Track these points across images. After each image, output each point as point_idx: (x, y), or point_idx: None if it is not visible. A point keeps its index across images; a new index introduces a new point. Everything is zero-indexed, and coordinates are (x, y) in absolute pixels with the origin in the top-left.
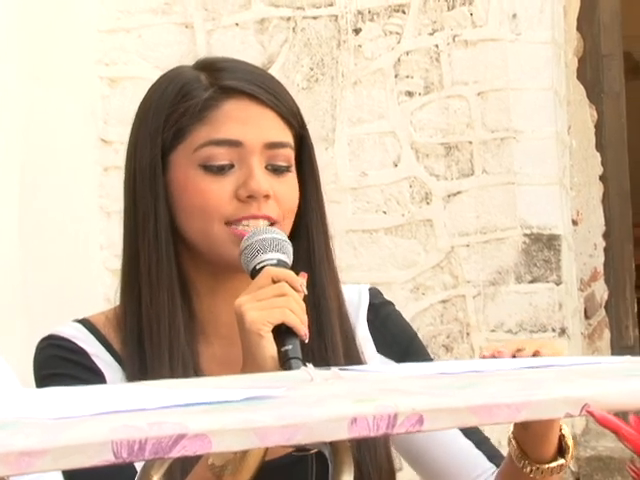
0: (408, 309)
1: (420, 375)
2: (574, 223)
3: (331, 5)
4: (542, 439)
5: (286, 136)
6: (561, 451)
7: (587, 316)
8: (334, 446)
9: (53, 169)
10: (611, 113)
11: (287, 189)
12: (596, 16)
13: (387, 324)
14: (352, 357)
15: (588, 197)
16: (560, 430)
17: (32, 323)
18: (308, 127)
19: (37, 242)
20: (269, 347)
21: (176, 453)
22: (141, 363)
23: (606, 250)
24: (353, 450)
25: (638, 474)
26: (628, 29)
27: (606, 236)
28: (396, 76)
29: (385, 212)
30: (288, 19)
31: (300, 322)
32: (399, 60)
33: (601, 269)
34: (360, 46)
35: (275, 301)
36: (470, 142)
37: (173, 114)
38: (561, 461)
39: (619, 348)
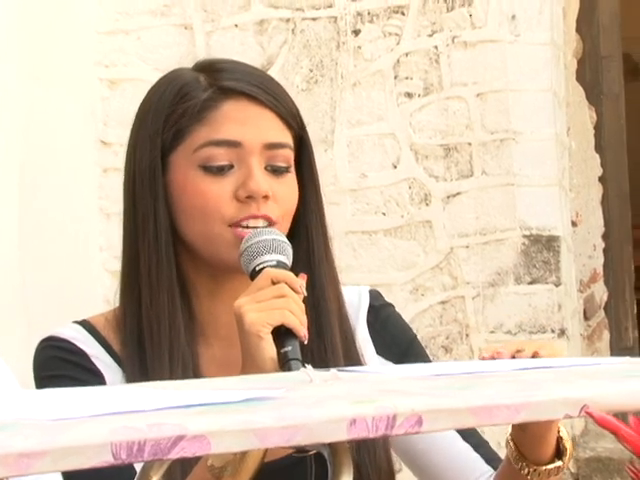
0: (407, 310)
1: (419, 376)
2: (573, 224)
3: (330, 6)
4: (540, 441)
5: (285, 137)
6: (559, 453)
7: (586, 317)
8: (333, 447)
9: (52, 170)
10: (610, 114)
11: (286, 190)
12: (595, 17)
13: (387, 326)
14: (352, 358)
15: (587, 198)
16: (558, 432)
17: (31, 324)
18: (307, 128)
19: (36, 243)
20: (268, 348)
21: (175, 454)
22: (141, 364)
23: (605, 251)
24: (352, 451)
25: (637, 475)
26: (627, 30)
27: (605, 237)
28: (395, 77)
29: (384, 213)
30: (287, 20)
31: (299, 323)
32: (398, 61)
33: (600, 270)
34: (359, 47)
35: (274, 302)
36: (469, 143)
37: (172, 115)
38: (559, 463)
39: (618, 349)
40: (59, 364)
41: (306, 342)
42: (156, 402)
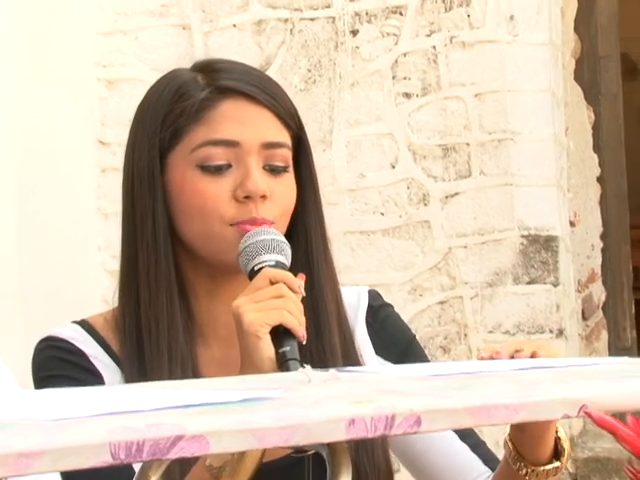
0: (406, 310)
1: (418, 376)
2: (571, 224)
3: (328, 7)
4: (538, 441)
5: (283, 136)
6: (557, 453)
7: (585, 317)
8: (332, 447)
9: (51, 171)
10: (608, 114)
11: (284, 189)
12: (593, 17)
13: (386, 326)
14: (350, 358)
15: (585, 198)
16: (556, 432)
17: (30, 324)
18: (306, 128)
19: (35, 243)
20: (267, 348)
21: (174, 454)
22: (139, 364)
23: (603, 251)
24: (351, 451)
25: (636, 475)
26: (625, 30)
27: (603, 237)
28: (393, 77)
29: (383, 213)
30: (285, 21)
31: (298, 323)
32: (396, 62)
33: (598, 270)
34: (357, 47)
35: (273, 302)
36: (467, 144)
37: (170, 115)
38: (557, 464)
39: (616, 349)
40: (58, 364)
41: (304, 342)
42: (155, 402)
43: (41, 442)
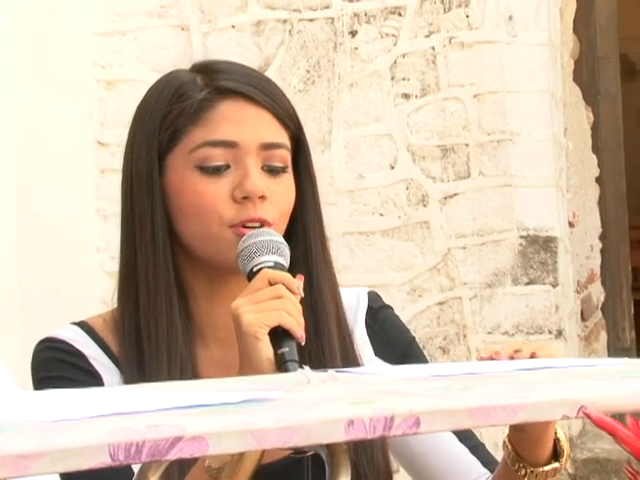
0: (405, 311)
1: (417, 377)
2: (570, 225)
3: (327, 7)
4: (537, 442)
5: (282, 137)
6: (556, 454)
7: (584, 318)
8: (331, 448)
9: (50, 171)
10: (607, 115)
11: (283, 190)
12: (592, 18)
13: (385, 328)
14: (349, 359)
15: (584, 199)
16: (555, 434)
17: (29, 326)
18: (304, 129)
19: (34, 244)
20: (265, 349)
21: (173, 455)
22: (139, 365)
23: (602, 252)
24: (350, 452)
25: (635, 476)
26: (624, 31)
27: (602, 238)
28: (392, 78)
29: (382, 214)
30: (284, 21)
31: (297, 324)
32: (395, 62)
33: (598, 271)
34: (356, 48)
35: (271, 303)
36: (466, 144)
37: (168, 116)
38: (556, 464)
39: (616, 350)
40: (57, 365)
41: (303, 343)
42: (154, 403)
43: (40, 443)
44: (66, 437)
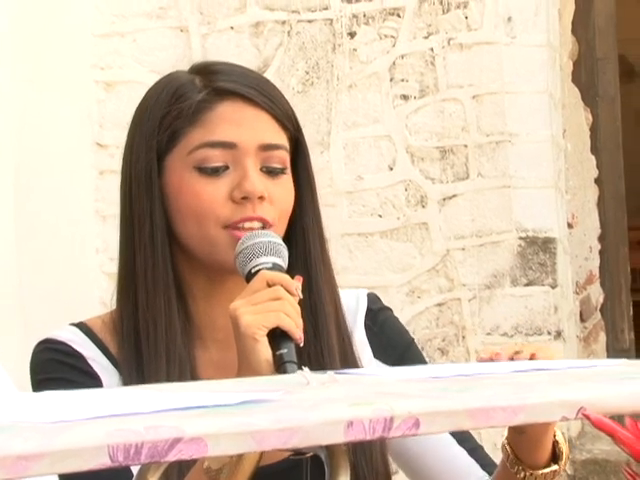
0: (404, 312)
1: (416, 378)
2: (569, 226)
3: (326, 9)
4: (537, 444)
5: (281, 138)
6: (555, 457)
7: (583, 319)
8: (330, 450)
9: (48, 173)
10: (606, 116)
11: (282, 191)
12: (591, 19)
13: (384, 330)
14: (349, 361)
15: (583, 200)
16: (554, 436)
17: (28, 327)
18: (303, 131)
19: (33, 246)
20: (264, 351)
21: (172, 457)
22: (137, 367)
23: (601, 253)
24: (349, 454)
25: (634, 477)
26: (623, 32)
27: (601, 239)
28: (391, 79)
29: (381, 215)
30: (283, 23)
31: (295, 326)
32: (394, 63)
33: (596, 272)
34: (355, 50)
35: (270, 305)
36: (465, 145)
37: (167, 117)
38: (555, 467)
39: (614, 351)
40: (56, 366)
41: (302, 345)
42: (153, 404)
43: (40, 444)
44: (66, 438)
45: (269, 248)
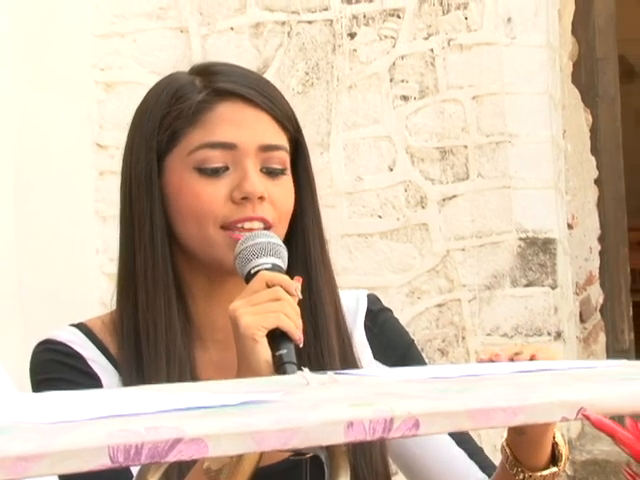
0: (404, 313)
1: (416, 379)
2: (569, 227)
3: (326, 10)
4: (536, 446)
5: (281, 139)
6: (554, 459)
7: (582, 320)
8: (330, 450)
9: (48, 173)
10: (606, 117)
11: (282, 192)
12: (591, 20)
13: (384, 330)
14: (349, 362)
15: (583, 201)
16: (554, 438)
17: (28, 327)
18: (303, 131)
19: (33, 246)
20: (263, 352)
21: (172, 457)
22: (137, 367)
23: (601, 254)
24: (349, 455)
25: (634, 477)
26: (623, 32)
27: (601, 240)
28: (391, 80)
29: (380, 216)
30: (283, 23)
31: (295, 326)
32: (394, 64)
33: (596, 273)
34: (355, 50)
35: (269, 305)
36: (465, 146)
37: (167, 117)
38: (554, 469)
39: (614, 352)
40: (55, 367)
41: (301, 345)
42: (153, 405)
43: (40, 445)
44: (66, 439)
45: (268, 249)
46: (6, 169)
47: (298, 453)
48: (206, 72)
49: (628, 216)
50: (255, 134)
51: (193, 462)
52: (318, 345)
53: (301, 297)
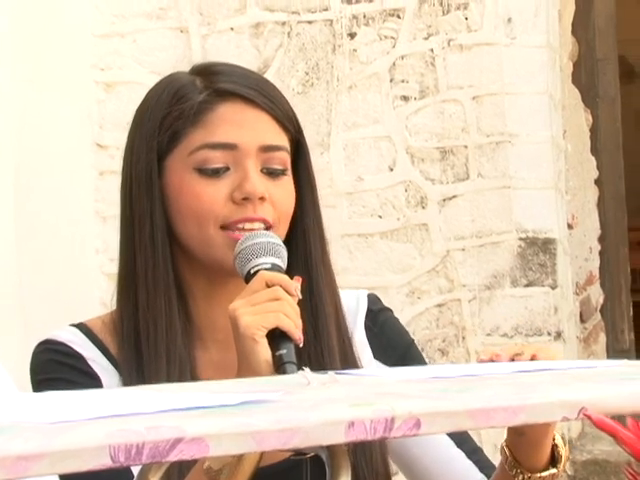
0: (404, 313)
1: (417, 379)
2: (569, 227)
3: (326, 10)
4: (536, 447)
5: (281, 140)
6: (554, 461)
7: (583, 320)
8: (331, 450)
9: (48, 173)
10: (606, 117)
11: (283, 192)
12: (591, 20)
13: (385, 330)
14: (349, 361)
15: (583, 201)
16: (553, 439)
17: (28, 327)
18: (303, 132)
19: (33, 246)
20: (263, 351)
21: (173, 457)
22: (138, 367)
23: (601, 254)
24: (349, 455)
25: (635, 477)
26: (623, 33)
27: (601, 240)
28: (391, 80)
29: (380, 216)
30: (283, 24)
31: (294, 326)
32: (394, 64)
33: (596, 273)
34: (355, 50)
35: (269, 305)
36: (465, 146)
37: (168, 117)
38: (553, 470)
39: (615, 352)
40: (56, 367)
41: (301, 345)
42: (154, 405)
43: (40, 445)
44: (66, 438)
45: (268, 248)
46: (6, 169)
47: (299, 453)
48: (207, 72)
49: (628, 216)
50: (256, 134)
51: (193, 462)
52: (318, 345)
53: (301, 297)
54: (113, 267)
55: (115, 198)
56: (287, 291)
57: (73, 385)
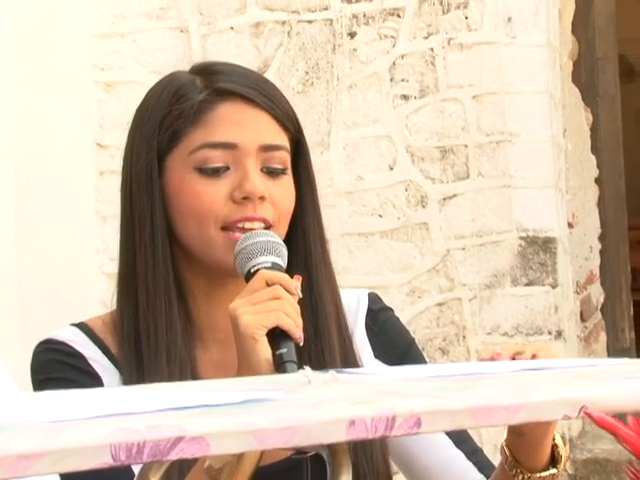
0: (404, 312)
1: (418, 377)
2: (570, 226)
3: (326, 9)
4: (536, 447)
5: (282, 139)
6: (554, 461)
7: (583, 319)
8: (332, 448)
9: (48, 173)
10: (606, 116)
11: (283, 191)
12: (591, 19)
13: (385, 329)
14: (349, 361)
15: (584, 200)
16: (553, 439)
17: (28, 327)
18: (303, 131)
19: (33, 246)
20: (263, 350)
21: (174, 456)
22: (138, 367)
23: (602, 253)
24: (350, 454)
25: (636, 475)
26: (623, 32)
27: (602, 239)
28: (391, 80)
29: (381, 215)
30: (283, 23)
31: (295, 325)
32: (394, 64)
33: (597, 272)
34: (355, 50)
35: (269, 304)
36: (465, 145)
37: (168, 117)
38: (553, 470)
39: (615, 351)
40: (56, 367)
41: (301, 344)
42: (154, 404)
43: (41, 443)
44: (67, 437)
45: (268, 247)
46: (6, 169)
47: (299, 452)
48: (207, 72)
49: (628, 215)
50: (256, 134)
51: (194, 461)
52: (319, 344)
53: (301, 296)
54: (113, 267)
55: (115, 198)
56: (287, 290)
57: (74, 384)
